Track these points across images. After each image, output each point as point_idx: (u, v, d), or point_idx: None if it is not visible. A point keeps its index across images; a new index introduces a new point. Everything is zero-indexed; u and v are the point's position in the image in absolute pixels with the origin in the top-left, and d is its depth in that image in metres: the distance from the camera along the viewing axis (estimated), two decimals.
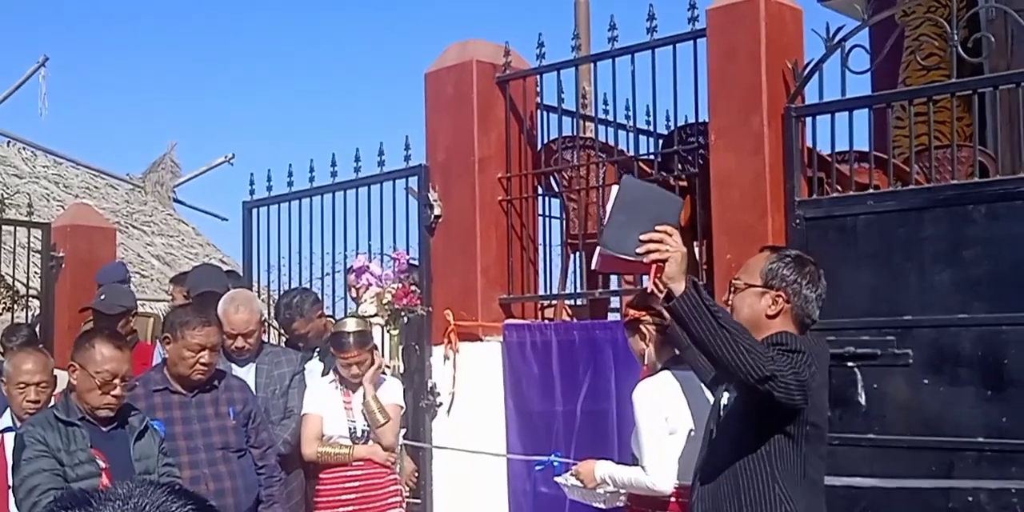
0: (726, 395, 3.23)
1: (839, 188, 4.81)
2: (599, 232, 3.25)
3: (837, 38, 4.65)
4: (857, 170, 4.95)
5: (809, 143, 4.84)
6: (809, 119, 4.79)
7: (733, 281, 3.31)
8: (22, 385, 4.53)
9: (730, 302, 3.27)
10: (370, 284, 5.88)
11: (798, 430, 3.08)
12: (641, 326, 3.89)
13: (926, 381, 4.31)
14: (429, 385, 5.71)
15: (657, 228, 3.06)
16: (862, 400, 4.43)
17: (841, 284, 4.48)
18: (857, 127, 4.72)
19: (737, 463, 3.11)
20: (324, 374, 5.34)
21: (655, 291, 3.14)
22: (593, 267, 3.65)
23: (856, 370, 4.44)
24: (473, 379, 5.62)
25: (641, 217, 3.11)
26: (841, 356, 4.39)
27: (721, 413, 3.24)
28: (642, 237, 3.05)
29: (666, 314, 3.48)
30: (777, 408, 2.99)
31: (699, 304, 2.93)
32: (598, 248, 3.25)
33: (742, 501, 3.09)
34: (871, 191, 4.65)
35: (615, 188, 3.32)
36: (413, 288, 5.80)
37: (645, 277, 3.27)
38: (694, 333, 2.97)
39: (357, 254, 6.15)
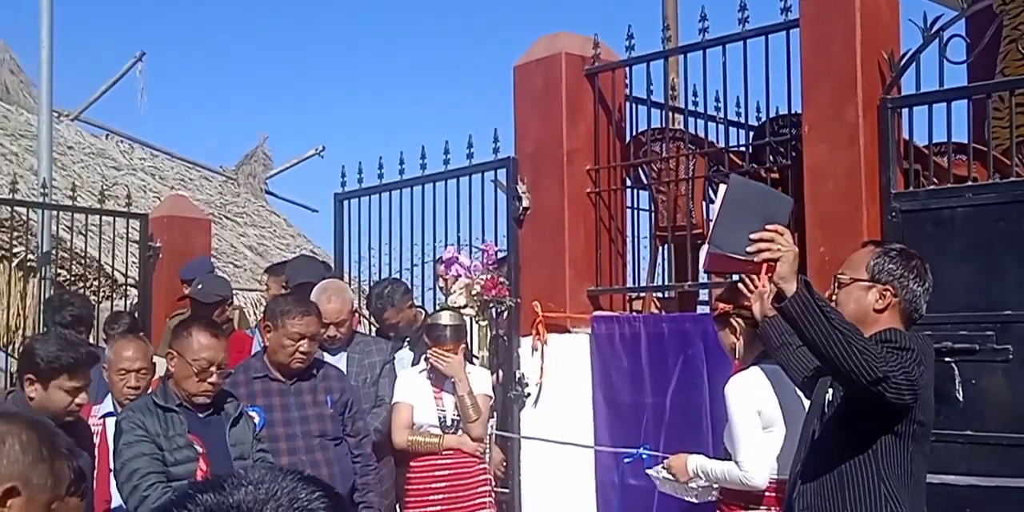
0: (830, 393, 3.20)
1: (935, 181, 4.72)
2: (706, 235, 3.22)
3: (935, 28, 4.56)
4: (955, 162, 4.85)
5: (905, 135, 4.76)
6: (905, 110, 4.70)
7: (838, 276, 3.26)
8: (123, 371, 4.64)
9: (834, 297, 3.23)
10: (459, 275, 5.93)
11: (906, 429, 3.04)
12: (731, 320, 3.86)
13: None
14: (517, 376, 5.74)
15: (768, 227, 3.02)
16: (960, 396, 4.35)
17: (938, 278, 4.37)
18: (955, 118, 4.63)
19: (842, 462, 3.07)
20: (414, 364, 5.41)
21: (747, 291, 3.10)
22: (702, 267, 3.62)
23: (954, 366, 4.35)
24: (561, 370, 5.64)
25: (751, 216, 3.07)
26: (938, 351, 4.30)
27: (825, 411, 3.21)
28: (752, 236, 3.02)
29: (756, 313, 3.46)
30: (886, 408, 2.96)
31: (811, 305, 2.89)
32: (706, 247, 3.22)
33: (846, 500, 3.05)
34: (969, 183, 4.55)
35: (722, 187, 3.28)
36: (502, 279, 5.84)
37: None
38: (806, 334, 2.93)
39: (446, 245, 6.21)
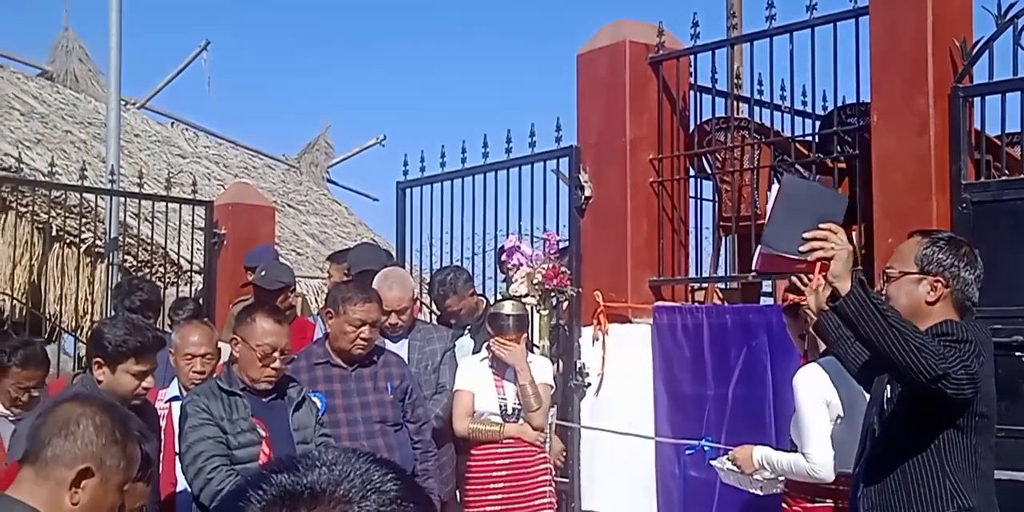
0: (888, 389, 3.15)
1: (1007, 171, 4.62)
2: (762, 231, 3.18)
3: (1009, 15, 4.46)
4: None
5: (977, 124, 4.66)
6: (977, 99, 4.61)
7: (886, 270, 3.21)
8: (189, 356, 4.70)
9: (885, 291, 3.18)
10: (521, 264, 5.92)
11: (967, 422, 2.99)
12: (801, 311, 3.82)
13: None
14: (578, 365, 5.73)
15: (821, 226, 2.98)
16: None
17: (1010, 270, 4.31)
18: None
19: (904, 459, 3.03)
20: (475, 352, 5.42)
21: (800, 286, 3.06)
22: (754, 267, 3.59)
23: None
24: (622, 360, 5.62)
25: (804, 215, 3.03)
26: (1009, 345, 4.23)
27: (885, 407, 3.16)
28: (806, 235, 2.98)
29: (811, 307, 3.42)
30: (947, 403, 2.91)
31: (867, 303, 2.85)
32: (759, 247, 3.19)
33: (911, 496, 3.01)
34: None
35: (775, 187, 3.26)
36: (563, 269, 5.83)
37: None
38: (862, 333, 2.89)
39: (508, 235, 6.20)
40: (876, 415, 3.21)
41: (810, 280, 3.28)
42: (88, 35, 13.99)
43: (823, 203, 3.17)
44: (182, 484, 4.12)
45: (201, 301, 7.50)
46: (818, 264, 2.98)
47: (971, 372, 2.87)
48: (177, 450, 4.06)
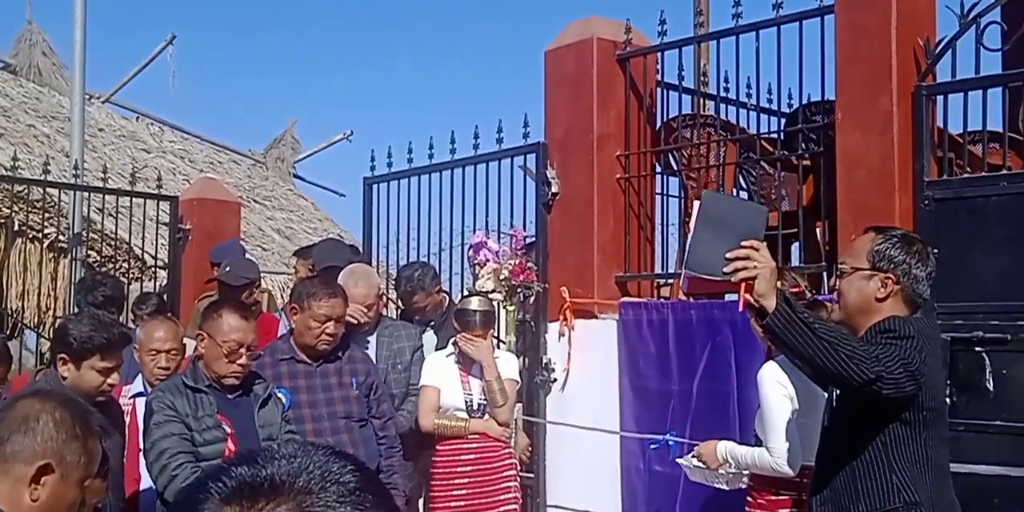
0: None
1: (969, 169, 4.68)
2: (684, 253, 3.14)
3: (971, 14, 4.51)
4: (989, 151, 4.80)
5: (940, 123, 4.71)
6: (940, 98, 4.66)
7: (839, 265, 3.23)
8: (153, 352, 4.66)
9: (837, 287, 3.21)
10: (487, 260, 5.93)
11: (914, 416, 3.02)
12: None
13: None
14: (544, 361, 5.75)
15: (743, 244, 2.96)
16: (990, 386, 4.31)
17: (971, 267, 4.37)
18: (990, 106, 4.58)
19: (853, 454, 3.06)
20: (439, 348, 5.42)
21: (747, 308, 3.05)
22: (682, 290, 3.57)
23: (985, 355, 4.32)
24: (587, 356, 5.64)
25: (726, 233, 2.97)
26: (969, 341, 4.29)
27: (834, 404, 3.19)
28: (728, 255, 2.97)
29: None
30: (888, 402, 2.94)
31: (792, 319, 2.85)
32: (684, 270, 3.15)
33: (859, 491, 3.04)
34: (1004, 172, 4.51)
35: (696, 203, 3.21)
36: (530, 264, 5.84)
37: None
38: (792, 347, 2.89)
39: (475, 230, 6.20)
40: (827, 414, 3.24)
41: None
42: (52, 29, 13.80)
43: (743, 218, 3.11)
44: (147, 481, 4.09)
45: (165, 297, 7.45)
46: (743, 284, 2.95)
47: (911, 368, 2.90)
48: (141, 446, 4.03)
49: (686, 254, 3.13)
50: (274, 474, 0.99)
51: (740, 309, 3.06)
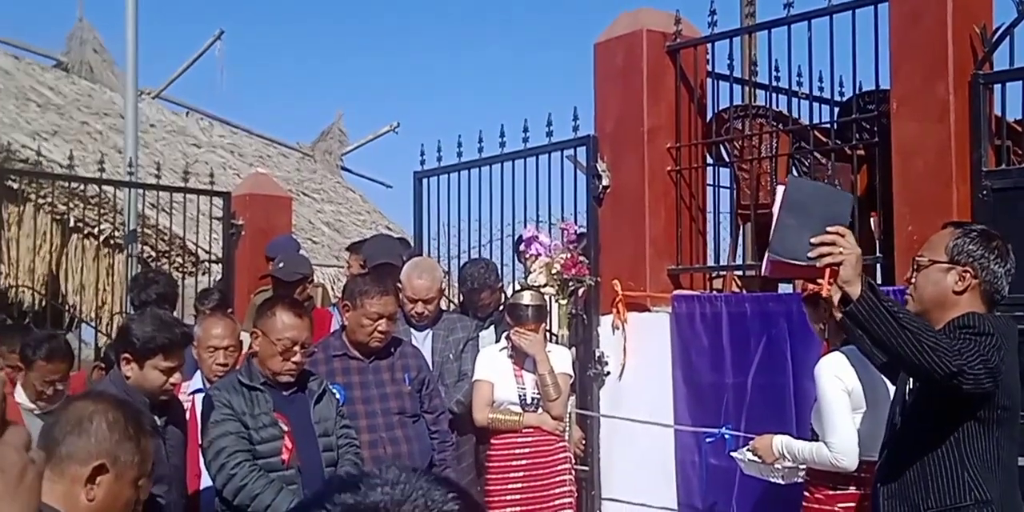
0: (910, 381, 3.15)
1: None
2: (770, 236, 3.14)
3: None
4: None
5: (997, 111, 4.64)
6: (998, 86, 4.58)
7: (917, 258, 3.21)
8: (212, 349, 4.73)
9: (914, 280, 3.18)
10: (539, 254, 5.93)
11: (988, 414, 2.99)
12: (820, 300, 3.81)
13: None
14: (597, 354, 5.74)
15: (829, 230, 2.94)
16: None
17: None
18: None
19: (924, 451, 3.04)
20: (496, 342, 5.43)
21: (830, 296, 3.03)
22: (763, 273, 3.55)
23: None
24: (640, 349, 5.62)
25: (811, 218, 2.97)
26: None
27: (906, 399, 3.16)
28: (813, 240, 2.95)
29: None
30: (966, 397, 2.91)
31: (877, 306, 2.84)
32: (767, 253, 3.14)
33: (929, 488, 3.02)
34: None
35: (780, 188, 3.20)
36: (581, 258, 5.83)
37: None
38: (875, 336, 2.88)
39: (525, 224, 6.20)
40: (898, 407, 3.21)
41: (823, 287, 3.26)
42: (102, 25, 14.01)
43: (829, 203, 3.11)
44: (207, 478, 4.14)
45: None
46: (827, 270, 2.94)
47: (990, 365, 2.87)
48: (200, 442, 4.08)
49: (770, 238, 3.13)
50: (377, 502, 0.99)
51: (822, 295, 3.03)
